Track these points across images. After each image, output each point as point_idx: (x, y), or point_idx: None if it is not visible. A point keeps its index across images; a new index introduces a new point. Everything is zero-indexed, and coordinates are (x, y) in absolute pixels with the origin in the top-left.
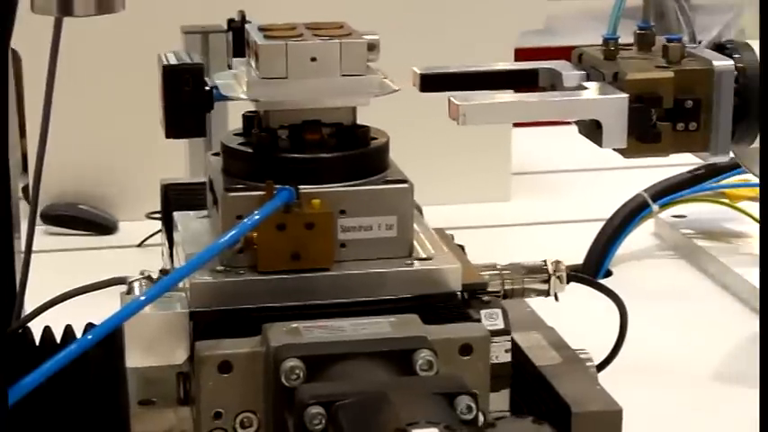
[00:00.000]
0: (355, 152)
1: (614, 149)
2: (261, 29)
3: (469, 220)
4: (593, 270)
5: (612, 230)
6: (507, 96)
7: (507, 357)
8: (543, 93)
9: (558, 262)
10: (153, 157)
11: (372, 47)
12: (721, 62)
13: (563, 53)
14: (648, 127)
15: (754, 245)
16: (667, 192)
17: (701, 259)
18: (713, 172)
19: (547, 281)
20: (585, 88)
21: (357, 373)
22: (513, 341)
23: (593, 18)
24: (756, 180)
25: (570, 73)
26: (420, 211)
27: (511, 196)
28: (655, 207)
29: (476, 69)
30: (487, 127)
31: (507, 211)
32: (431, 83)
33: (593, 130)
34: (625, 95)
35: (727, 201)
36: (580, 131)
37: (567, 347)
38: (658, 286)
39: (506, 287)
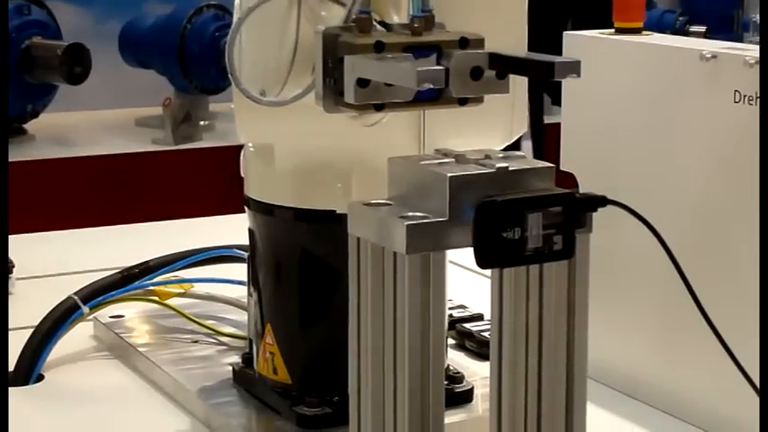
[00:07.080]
0: None
1: None
2: None
3: None
4: (23, 375)
5: (42, 335)
6: None
7: None
8: None
9: None
10: None
11: None
12: None
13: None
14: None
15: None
16: (98, 293)
17: (132, 358)
18: (145, 271)
19: None
20: None
21: None
22: None
23: (104, 128)
24: (183, 276)
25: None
26: None
27: None
28: (85, 309)
29: None
30: None
31: None
32: None
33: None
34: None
35: (156, 298)
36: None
37: None
38: (92, 388)
39: None
